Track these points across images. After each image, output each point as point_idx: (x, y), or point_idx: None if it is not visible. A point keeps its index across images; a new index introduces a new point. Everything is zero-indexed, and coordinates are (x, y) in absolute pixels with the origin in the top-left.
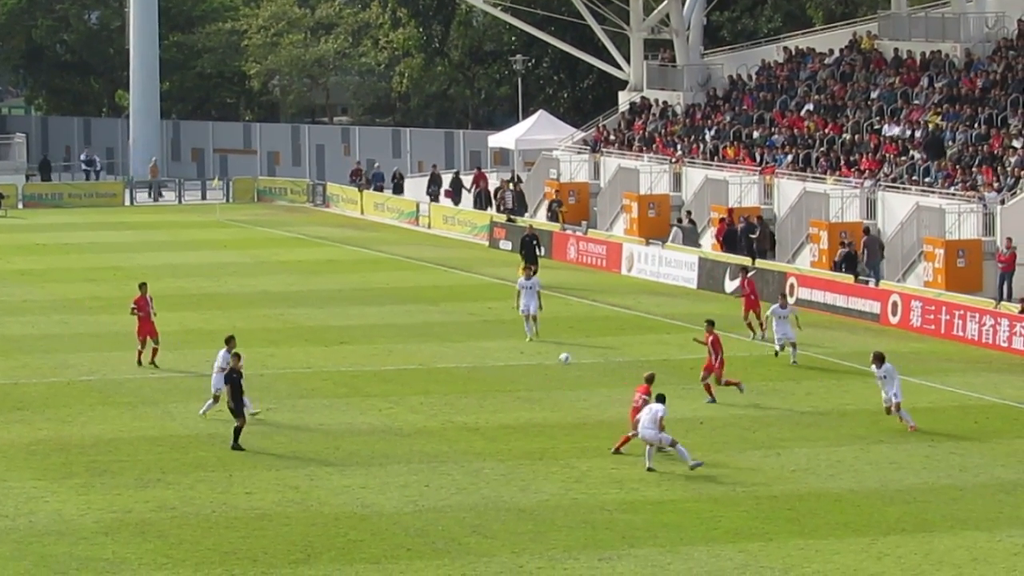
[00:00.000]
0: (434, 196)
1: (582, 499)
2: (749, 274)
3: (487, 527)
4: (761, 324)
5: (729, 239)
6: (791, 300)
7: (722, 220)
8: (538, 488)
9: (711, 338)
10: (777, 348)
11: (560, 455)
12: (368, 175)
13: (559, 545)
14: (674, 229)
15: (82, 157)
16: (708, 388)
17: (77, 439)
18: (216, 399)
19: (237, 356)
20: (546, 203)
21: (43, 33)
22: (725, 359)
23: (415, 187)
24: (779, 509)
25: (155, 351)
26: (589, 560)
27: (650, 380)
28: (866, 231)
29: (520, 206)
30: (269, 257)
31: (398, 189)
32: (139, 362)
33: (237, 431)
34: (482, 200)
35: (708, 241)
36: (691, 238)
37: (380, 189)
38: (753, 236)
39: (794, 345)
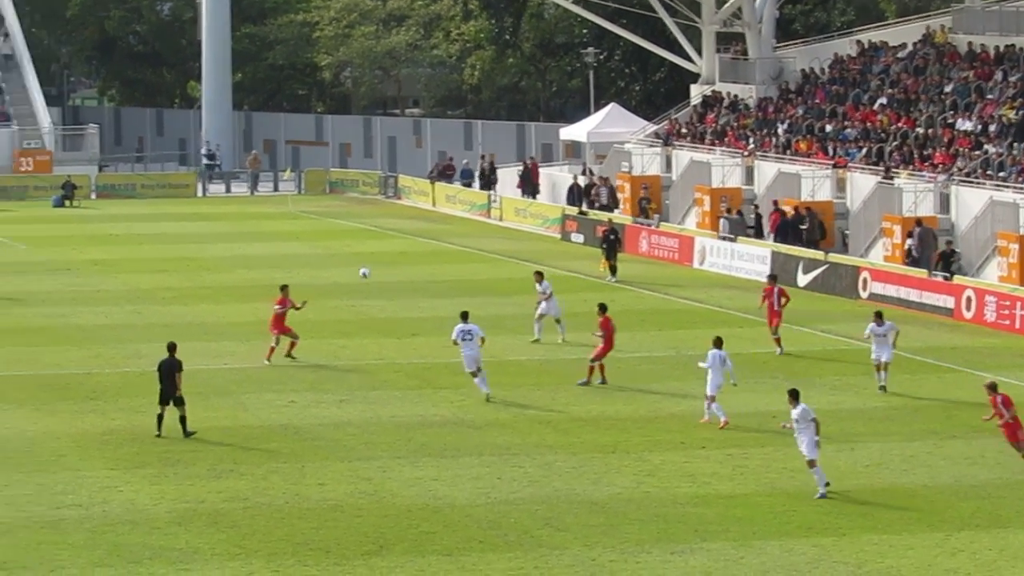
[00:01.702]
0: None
1: (654, 493)
2: (773, 282)
3: (559, 520)
4: (778, 340)
5: (782, 230)
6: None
7: (774, 212)
8: (610, 481)
9: (602, 321)
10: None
11: (632, 448)
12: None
13: (631, 538)
14: (722, 220)
15: (203, 151)
16: (592, 370)
17: (150, 429)
18: (475, 374)
19: (173, 346)
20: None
21: (116, 24)
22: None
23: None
24: (852, 504)
25: (292, 344)
26: (661, 554)
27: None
28: (919, 223)
29: (612, 202)
30: (340, 249)
31: (487, 184)
32: (268, 359)
33: (160, 419)
34: (534, 192)
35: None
36: (738, 229)
37: (469, 185)
38: (803, 227)
39: (886, 367)
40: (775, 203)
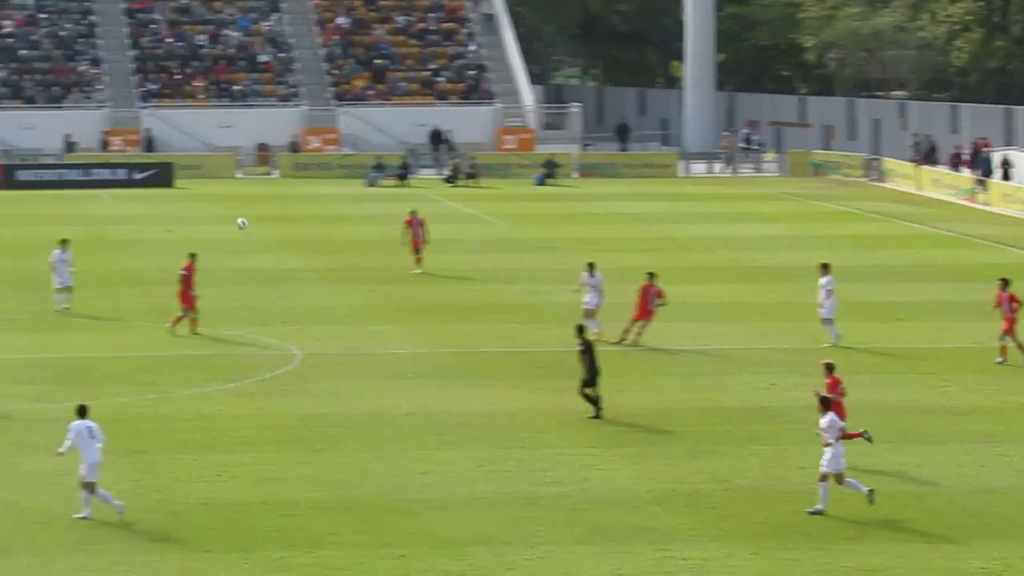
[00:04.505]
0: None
1: None
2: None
3: None
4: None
5: None
6: None
7: None
8: None
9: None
10: None
11: None
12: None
13: None
14: None
15: (743, 131)
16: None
17: (629, 408)
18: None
19: (582, 328)
20: None
21: (599, 3)
22: None
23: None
24: None
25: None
26: None
27: None
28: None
29: None
30: (822, 231)
31: (1007, 176)
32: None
33: (598, 400)
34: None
35: None
36: None
37: (988, 175)
38: None
39: None
40: None
